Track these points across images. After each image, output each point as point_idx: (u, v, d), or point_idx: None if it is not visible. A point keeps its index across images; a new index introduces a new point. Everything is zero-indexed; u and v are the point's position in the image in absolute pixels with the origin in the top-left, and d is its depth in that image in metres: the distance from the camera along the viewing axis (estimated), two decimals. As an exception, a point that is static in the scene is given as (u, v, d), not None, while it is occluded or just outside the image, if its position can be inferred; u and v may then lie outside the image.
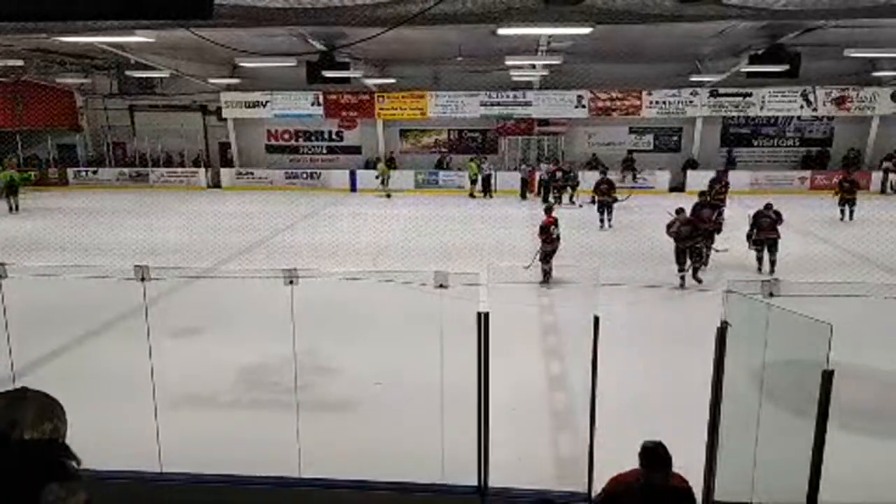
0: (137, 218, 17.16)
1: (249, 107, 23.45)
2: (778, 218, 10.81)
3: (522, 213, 18.66)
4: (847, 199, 16.51)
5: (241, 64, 19.57)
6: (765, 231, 10.73)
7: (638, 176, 22.21)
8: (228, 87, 22.87)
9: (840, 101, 21.19)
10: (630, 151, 22.97)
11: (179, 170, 24.57)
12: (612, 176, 22.09)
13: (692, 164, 22.59)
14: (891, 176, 21.05)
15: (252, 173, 24.06)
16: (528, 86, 21.83)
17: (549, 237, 10.43)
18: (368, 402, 6.38)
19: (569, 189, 19.54)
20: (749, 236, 11.02)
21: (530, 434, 5.67)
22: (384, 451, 4.96)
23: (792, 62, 14.10)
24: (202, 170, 24.30)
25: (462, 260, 11.53)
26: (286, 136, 25.05)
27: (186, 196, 21.89)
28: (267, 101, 23.26)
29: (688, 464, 4.32)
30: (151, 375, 4.54)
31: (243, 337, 7.99)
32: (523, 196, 21.27)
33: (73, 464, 1.64)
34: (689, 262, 10.08)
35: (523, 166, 22.34)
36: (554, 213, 11.07)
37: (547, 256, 10.48)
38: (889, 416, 5.92)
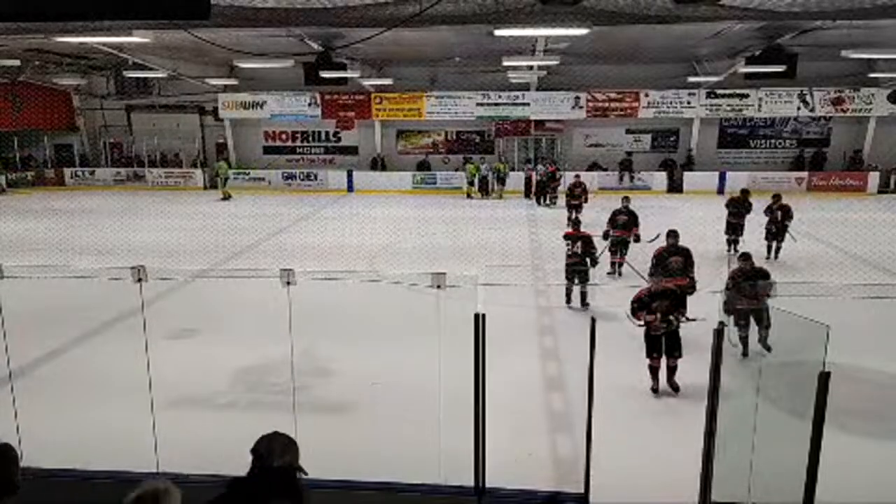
0: (134, 219, 17.12)
1: (247, 107, 23.43)
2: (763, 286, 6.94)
3: (520, 213, 18.67)
4: (775, 230, 12.30)
5: (239, 65, 19.55)
6: (748, 300, 7.02)
7: (635, 177, 22.23)
8: (226, 88, 22.85)
9: (837, 102, 21.24)
10: (629, 153, 23.00)
11: (176, 170, 24.54)
12: (610, 176, 22.31)
13: (675, 165, 22.64)
14: None
15: (249, 174, 24.04)
16: (525, 87, 21.85)
17: (568, 250, 9.39)
18: (366, 403, 6.38)
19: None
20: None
21: (528, 434, 5.67)
22: (381, 452, 4.95)
23: (789, 63, 14.14)
24: (199, 170, 24.27)
25: (460, 261, 11.54)
26: (283, 136, 25.04)
27: (183, 197, 21.85)
28: (264, 102, 23.26)
29: (686, 464, 4.33)
30: (148, 376, 4.53)
31: (241, 338, 7.97)
32: (527, 195, 21.23)
33: (302, 475, 2.39)
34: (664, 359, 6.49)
35: (527, 166, 22.32)
36: (583, 229, 9.78)
37: (568, 273, 9.37)
38: (887, 418, 5.93)
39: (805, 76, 16.39)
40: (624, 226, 10.87)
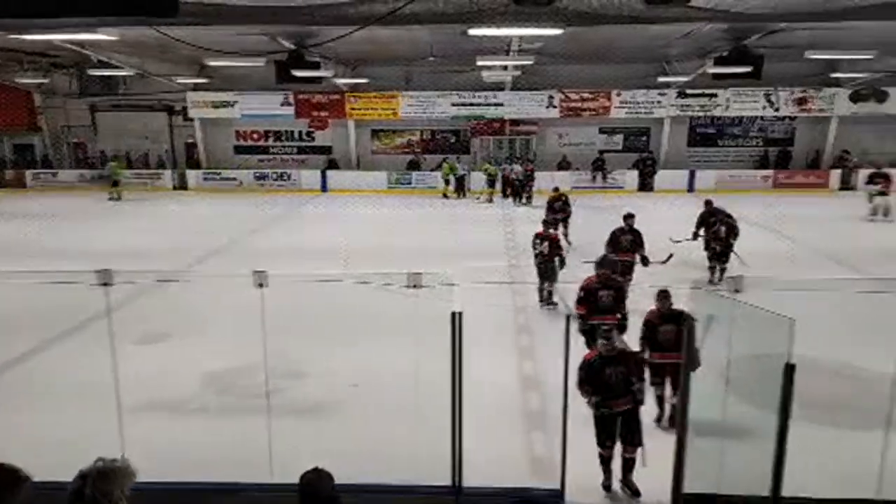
0: (100, 221, 16.76)
1: (217, 107, 23.08)
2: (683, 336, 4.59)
3: (497, 213, 18.74)
4: (720, 250, 10.50)
5: (209, 63, 19.26)
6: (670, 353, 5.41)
7: (608, 176, 22.43)
8: (195, 87, 22.48)
9: (801, 102, 21.76)
10: (601, 152, 23.20)
11: (144, 171, 24.08)
12: (582, 176, 22.46)
13: (645, 164, 22.86)
14: (877, 199, 16.23)
15: (220, 174, 23.70)
16: (499, 86, 21.92)
17: (535, 249, 9.48)
18: (342, 405, 6.34)
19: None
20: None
21: (505, 433, 5.70)
22: (359, 453, 4.92)
23: (755, 64, 14.43)
24: (168, 171, 23.84)
25: (436, 260, 11.52)
26: (255, 136, 24.73)
27: (151, 198, 21.45)
28: (235, 101, 22.94)
29: (658, 457, 4.39)
30: (116, 382, 4.44)
31: (213, 341, 7.86)
32: (504, 195, 21.16)
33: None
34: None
35: (504, 165, 22.31)
36: (554, 231, 9.76)
37: (539, 274, 9.45)
38: (852, 408, 6.09)
39: (770, 77, 16.72)
40: (629, 248, 9.30)
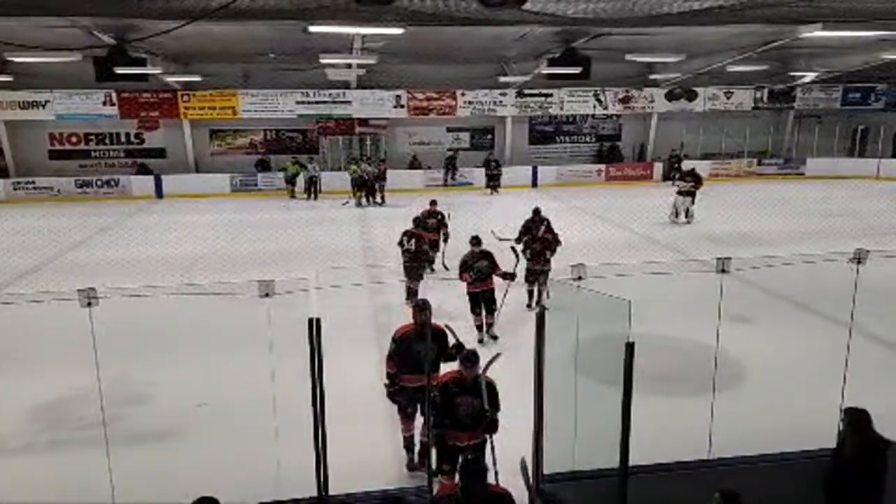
0: None
1: (24, 107, 20.40)
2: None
3: (350, 213, 18.51)
4: (537, 270, 9.18)
5: (11, 59, 16.93)
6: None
7: (458, 174, 23.00)
8: (-6, 86, 19.69)
9: (625, 101, 23.93)
10: (456, 150, 23.65)
11: (-66, 182, 20.71)
12: (436, 175, 22.82)
13: (489, 164, 23.52)
14: (683, 199, 16.11)
15: (33, 182, 21.01)
16: (345, 85, 21.65)
17: (402, 246, 9.51)
18: (194, 428, 5.90)
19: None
20: None
21: (371, 435, 5.64)
22: (215, 476, 4.60)
23: (584, 65, 15.62)
24: (-33, 181, 20.69)
25: (289, 265, 11.11)
26: (74, 139, 22.22)
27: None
28: (47, 101, 20.44)
29: (518, 444, 4.58)
30: None
31: (35, 371, 6.97)
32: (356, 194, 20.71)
33: None
34: None
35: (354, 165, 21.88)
36: (423, 230, 9.97)
37: (406, 272, 9.50)
38: (687, 378, 6.78)
39: (598, 77, 18.19)
40: (488, 273, 8.13)
